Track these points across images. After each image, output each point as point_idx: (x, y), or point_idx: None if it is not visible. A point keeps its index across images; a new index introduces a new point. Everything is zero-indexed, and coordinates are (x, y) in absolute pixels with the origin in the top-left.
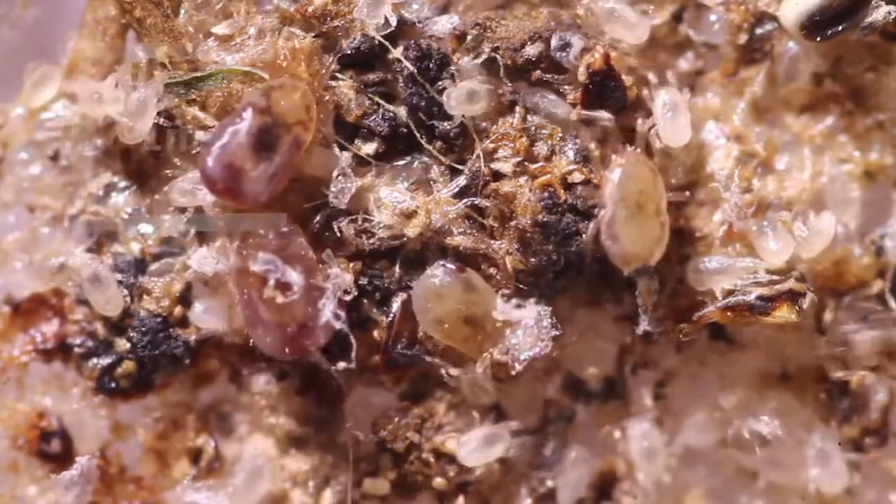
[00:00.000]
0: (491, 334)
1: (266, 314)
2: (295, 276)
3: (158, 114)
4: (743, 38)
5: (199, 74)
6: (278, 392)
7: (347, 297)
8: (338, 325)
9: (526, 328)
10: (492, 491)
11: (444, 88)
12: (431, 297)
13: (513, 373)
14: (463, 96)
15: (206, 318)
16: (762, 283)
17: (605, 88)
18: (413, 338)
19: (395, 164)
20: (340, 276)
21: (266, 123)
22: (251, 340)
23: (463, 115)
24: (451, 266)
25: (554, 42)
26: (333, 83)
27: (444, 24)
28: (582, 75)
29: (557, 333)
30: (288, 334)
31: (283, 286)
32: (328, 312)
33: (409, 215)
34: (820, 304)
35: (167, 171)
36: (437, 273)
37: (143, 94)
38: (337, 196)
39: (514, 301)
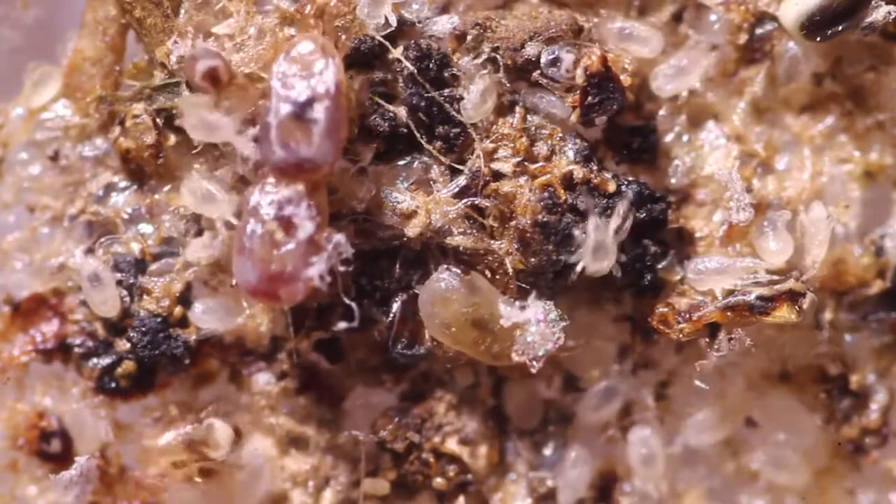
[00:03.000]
0: (499, 335)
1: (258, 246)
2: (307, 222)
3: (158, 113)
4: (743, 38)
5: None
6: (278, 392)
7: (344, 268)
8: (320, 285)
9: (537, 324)
10: (492, 491)
11: (452, 96)
12: (437, 301)
13: (533, 371)
14: (477, 99)
15: (205, 318)
16: (762, 283)
17: (602, 90)
18: (413, 338)
19: (395, 164)
20: (343, 244)
21: (292, 88)
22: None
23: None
24: (454, 269)
25: (543, 58)
26: None
27: (444, 25)
28: (580, 78)
29: (566, 323)
30: (268, 273)
31: (288, 226)
32: (316, 270)
33: (409, 215)
34: (820, 303)
35: (168, 171)
36: (442, 277)
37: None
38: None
39: (516, 303)
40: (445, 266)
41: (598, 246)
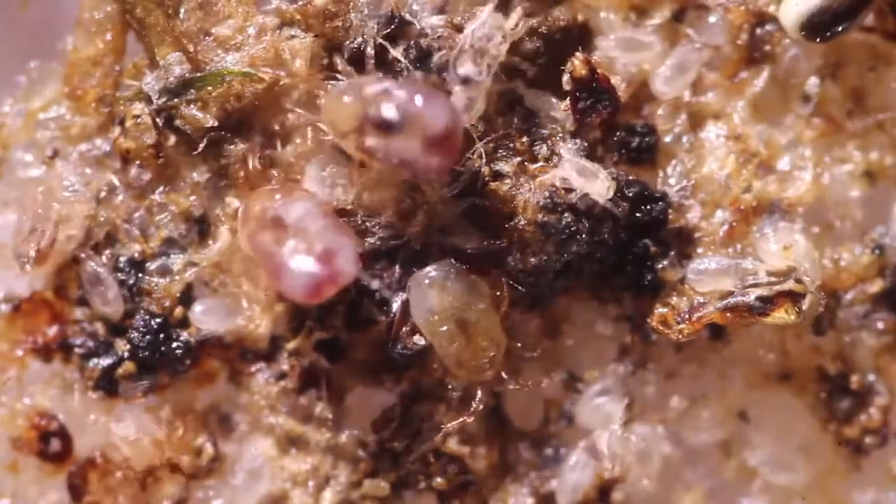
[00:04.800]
0: (473, 346)
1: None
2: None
3: (158, 113)
4: (743, 39)
5: (197, 75)
6: (278, 392)
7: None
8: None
9: None
10: (492, 491)
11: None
12: (435, 283)
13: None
14: (465, 102)
15: (205, 318)
16: (762, 283)
17: (592, 94)
18: (412, 335)
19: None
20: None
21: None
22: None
23: None
24: (461, 266)
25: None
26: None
27: (438, 19)
28: (567, 84)
29: None
30: (318, 254)
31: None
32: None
33: (408, 215)
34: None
35: (168, 171)
36: (446, 266)
37: None
38: None
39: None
40: (452, 259)
41: (581, 170)
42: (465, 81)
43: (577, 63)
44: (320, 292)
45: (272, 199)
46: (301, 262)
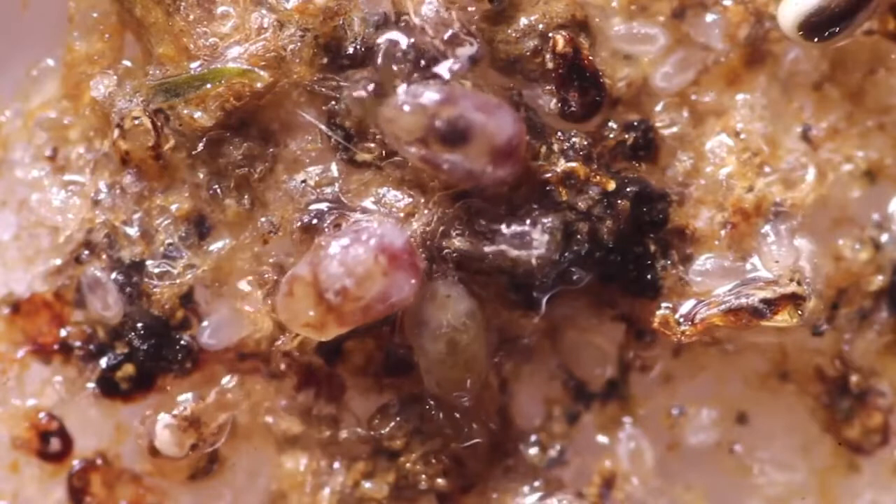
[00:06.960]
0: (459, 374)
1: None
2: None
3: (156, 114)
4: (743, 38)
5: (196, 75)
6: (276, 391)
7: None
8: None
9: None
10: (492, 491)
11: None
12: (441, 294)
13: None
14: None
15: (213, 340)
16: (764, 285)
17: (577, 72)
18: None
19: (394, 161)
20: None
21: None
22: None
23: None
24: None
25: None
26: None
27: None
28: (550, 62)
29: None
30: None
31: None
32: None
33: (409, 214)
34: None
35: (167, 173)
36: (451, 284)
37: None
38: None
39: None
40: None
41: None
42: (474, 61)
43: (558, 38)
44: (417, 272)
45: (310, 303)
46: (391, 283)
